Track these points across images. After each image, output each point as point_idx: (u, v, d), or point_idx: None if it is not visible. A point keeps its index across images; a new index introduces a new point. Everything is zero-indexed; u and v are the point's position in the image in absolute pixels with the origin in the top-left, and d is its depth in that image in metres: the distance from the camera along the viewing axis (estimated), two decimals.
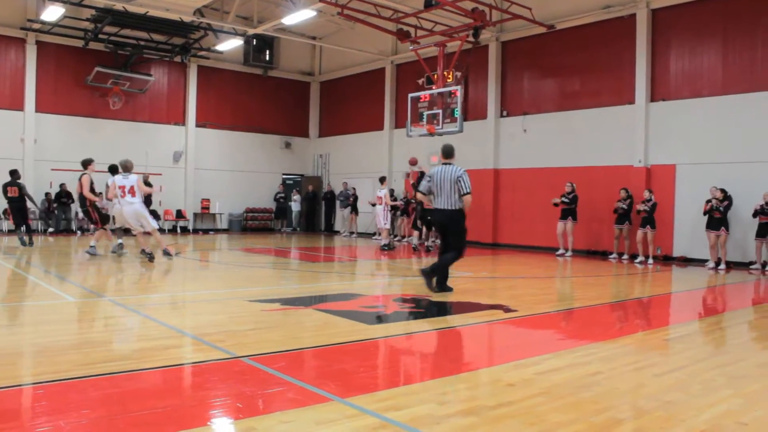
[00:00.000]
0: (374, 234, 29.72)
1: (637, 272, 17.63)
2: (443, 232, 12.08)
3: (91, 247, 17.53)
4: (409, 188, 28.21)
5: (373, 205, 26.71)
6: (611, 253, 21.50)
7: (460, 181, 11.39)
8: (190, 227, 32.01)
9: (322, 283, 14.28)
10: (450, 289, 11.96)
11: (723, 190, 18.75)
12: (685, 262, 20.14)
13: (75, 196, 21.97)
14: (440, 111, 21.63)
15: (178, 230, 31.28)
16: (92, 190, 18.02)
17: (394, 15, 24.22)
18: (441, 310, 10.59)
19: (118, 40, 29.07)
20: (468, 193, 11.42)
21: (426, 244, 22.51)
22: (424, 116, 22.13)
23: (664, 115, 21.40)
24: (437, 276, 11.93)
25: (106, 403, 5.16)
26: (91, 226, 20.19)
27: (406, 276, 16.12)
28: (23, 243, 20.00)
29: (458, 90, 21.35)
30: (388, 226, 23.73)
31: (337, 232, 33.22)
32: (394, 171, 30.82)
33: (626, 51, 22.35)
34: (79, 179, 17.93)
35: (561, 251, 22.32)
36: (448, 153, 11.83)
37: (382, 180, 24.26)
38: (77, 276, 14.04)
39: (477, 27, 22.82)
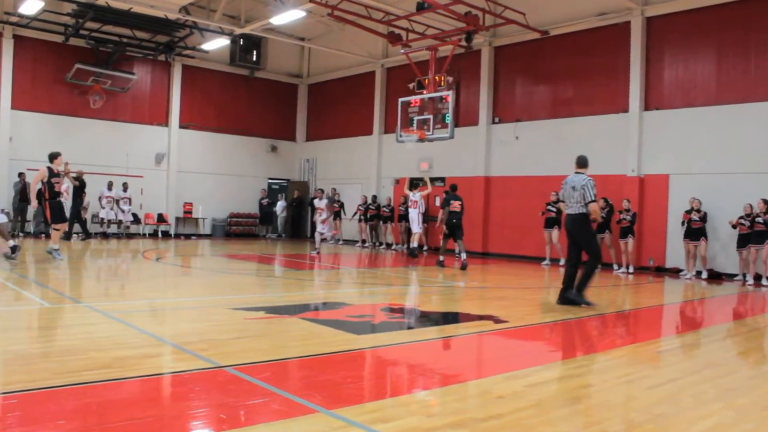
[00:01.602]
0: (359, 242, 29.87)
1: (627, 283, 17.70)
2: (570, 237, 12.70)
3: (56, 250, 17.29)
4: (395, 195, 28.43)
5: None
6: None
7: (584, 188, 12.05)
8: (172, 232, 31.78)
9: (308, 292, 14.26)
10: (589, 303, 12.29)
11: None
12: (677, 273, 20.24)
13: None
14: (431, 116, 21.67)
15: (160, 234, 31.08)
16: (51, 185, 17.58)
17: (386, 17, 24.26)
18: (430, 320, 10.64)
19: (100, 36, 28.81)
20: (593, 201, 12.06)
21: (411, 248, 22.78)
22: (415, 121, 22.17)
23: (658, 125, 21.53)
24: (578, 285, 12.37)
25: (84, 414, 5.15)
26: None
27: (393, 284, 16.15)
28: None
29: (450, 95, 21.41)
30: (421, 230, 24.51)
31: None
32: (382, 177, 30.90)
33: (620, 59, 22.49)
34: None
35: (547, 261, 22.49)
36: (581, 163, 12.63)
37: (416, 185, 25.21)
38: (53, 280, 13.99)
39: (470, 31, 22.90)
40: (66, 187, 24.44)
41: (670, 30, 21.54)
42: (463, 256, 19.62)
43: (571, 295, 12.25)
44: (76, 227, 25.85)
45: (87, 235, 26.33)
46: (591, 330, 10.44)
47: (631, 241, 20.57)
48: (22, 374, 6.17)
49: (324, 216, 23.16)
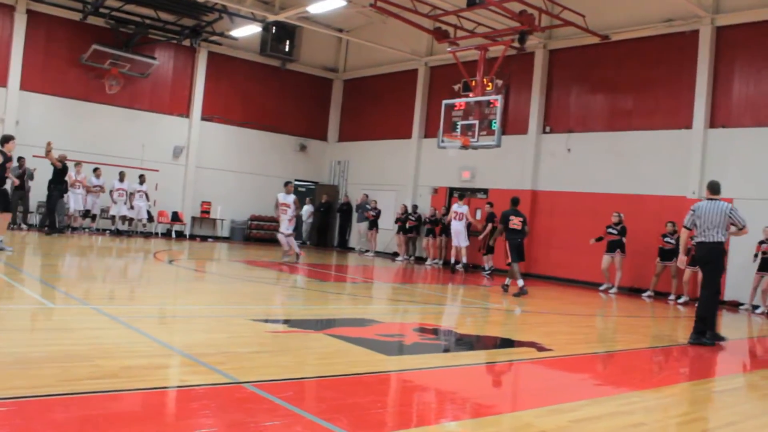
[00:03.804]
0: (396, 254, 29.78)
1: (680, 315, 17.55)
2: (702, 265, 12.87)
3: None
4: (437, 205, 28.32)
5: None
6: (646, 290, 21.59)
7: (733, 215, 12.25)
8: (187, 232, 31.87)
9: (334, 306, 14.31)
10: (722, 338, 12.44)
11: None
12: (737, 307, 20.07)
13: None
14: (476, 122, 21.60)
15: (173, 235, 31.10)
16: (2, 170, 17.12)
17: (433, 12, 24.13)
18: (466, 344, 10.61)
19: (121, 16, 28.84)
20: (745, 227, 12.39)
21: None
22: (458, 126, 22.11)
23: (723, 144, 21.33)
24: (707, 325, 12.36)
25: (87, 426, 5.15)
26: None
27: (428, 303, 16.12)
28: None
29: (498, 100, 21.32)
30: (467, 243, 25.20)
31: (352, 249, 33.18)
32: (419, 185, 30.83)
33: (686, 70, 22.33)
34: None
35: (605, 286, 22.25)
36: (715, 189, 12.74)
37: (462, 196, 25.81)
38: (58, 278, 14.07)
39: (523, 32, 22.74)
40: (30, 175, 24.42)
41: (742, 41, 21.37)
42: (507, 280, 18.76)
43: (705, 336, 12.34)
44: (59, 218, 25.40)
45: (52, 229, 25.10)
46: (642, 364, 10.38)
47: (673, 265, 20.50)
48: (23, 379, 6.15)
49: (290, 215, 22.06)
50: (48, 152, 22.43)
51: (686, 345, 12.00)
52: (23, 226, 25.68)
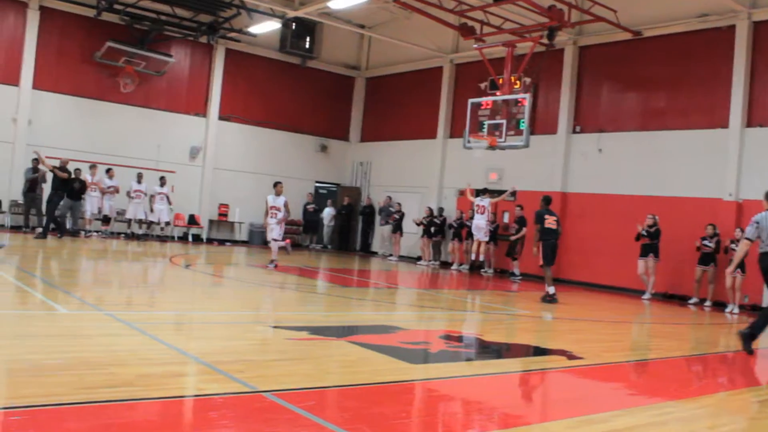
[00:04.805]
0: (419, 259, 29.74)
1: (721, 322, 17.46)
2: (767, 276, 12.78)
3: None
4: (464, 207, 28.13)
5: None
6: (691, 298, 21.30)
7: None
8: (204, 236, 31.81)
9: (356, 312, 14.28)
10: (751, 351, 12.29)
11: None
12: None
13: None
14: (504, 121, 21.47)
15: (190, 238, 31.09)
16: None
17: (458, 7, 24.03)
18: (494, 352, 10.58)
19: (136, 12, 28.75)
20: None
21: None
22: (485, 126, 22.02)
23: (761, 144, 21.14)
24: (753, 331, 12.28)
25: None
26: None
27: (453, 309, 16.09)
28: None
29: (526, 98, 21.19)
30: (487, 239, 25.33)
31: (375, 253, 33.12)
32: (445, 187, 30.76)
33: (722, 67, 22.15)
34: None
35: (647, 295, 21.81)
36: None
37: (485, 191, 25.94)
38: (71, 284, 14.12)
39: (552, 27, 22.64)
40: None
41: None
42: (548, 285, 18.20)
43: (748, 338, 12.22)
44: (66, 223, 25.42)
45: (62, 232, 25.06)
46: (677, 372, 10.33)
47: (711, 270, 20.46)
48: (36, 387, 6.18)
49: (280, 217, 20.94)
50: (42, 162, 22.40)
51: (722, 353, 11.95)
52: (38, 229, 25.55)
